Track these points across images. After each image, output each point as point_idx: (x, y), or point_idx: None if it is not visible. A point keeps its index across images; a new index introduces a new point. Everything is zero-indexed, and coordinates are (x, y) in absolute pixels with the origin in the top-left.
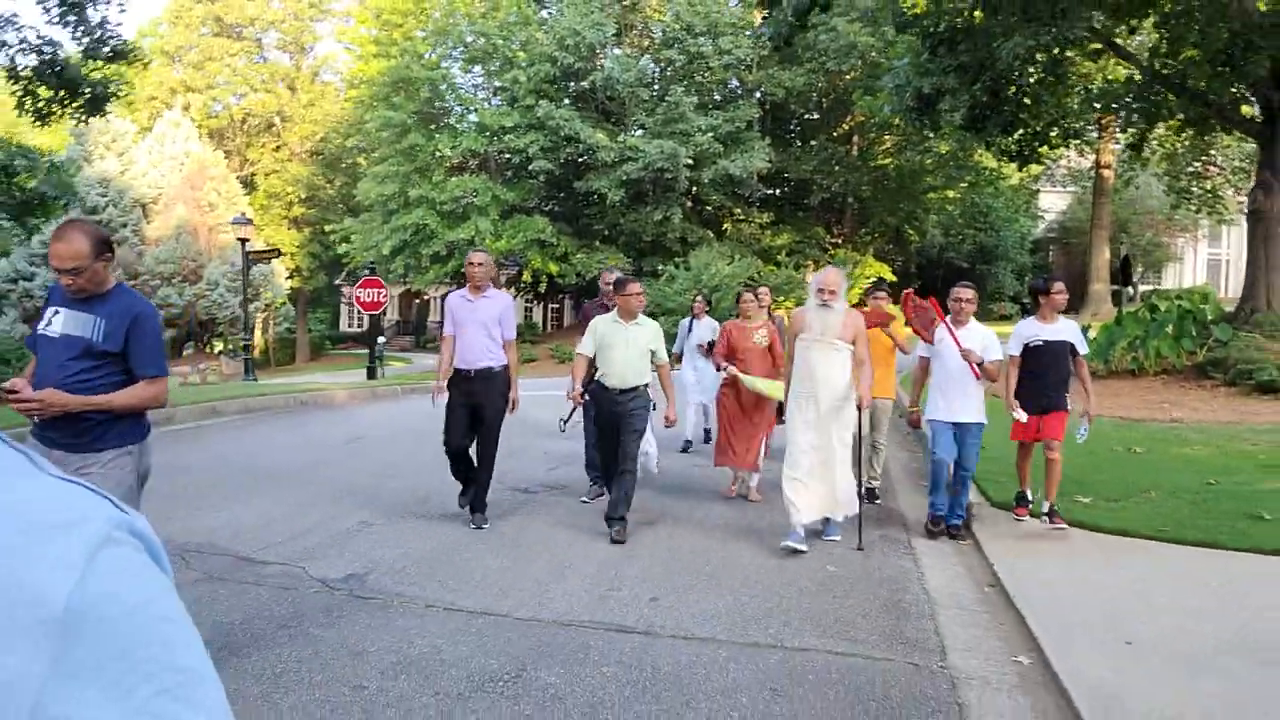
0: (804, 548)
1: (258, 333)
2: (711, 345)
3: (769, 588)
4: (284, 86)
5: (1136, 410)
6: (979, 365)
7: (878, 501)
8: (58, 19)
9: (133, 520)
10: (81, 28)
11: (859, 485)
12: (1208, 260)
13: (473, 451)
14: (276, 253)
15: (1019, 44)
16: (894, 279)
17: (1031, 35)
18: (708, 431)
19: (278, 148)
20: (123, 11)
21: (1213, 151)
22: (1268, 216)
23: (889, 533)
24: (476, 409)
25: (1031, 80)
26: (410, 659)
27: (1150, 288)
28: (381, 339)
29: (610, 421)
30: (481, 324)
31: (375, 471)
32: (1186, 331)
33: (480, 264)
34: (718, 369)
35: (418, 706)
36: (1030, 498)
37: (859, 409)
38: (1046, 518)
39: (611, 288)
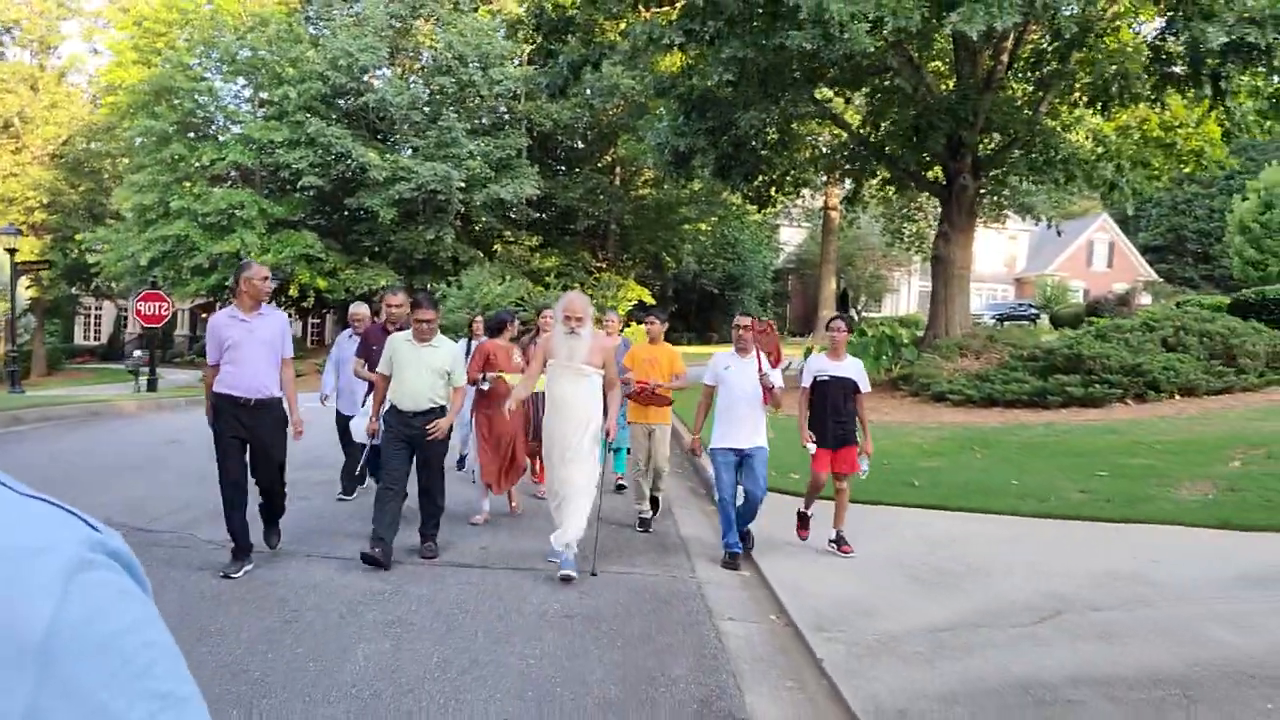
0: (575, 574)
1: None
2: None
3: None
4: (26, 86)
5: None
6: (770, 390)
7: (651, 530)
8: None
9: (106, 539)
10: None
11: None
12: (920, 292)
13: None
14: (47, 264)
15: (754, 116)
16: (653, 302)
17: (763, 110)
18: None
19: (17, 150)
20: None
21: (920, 199)
22: (946, 260)
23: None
24: (254, 443)
25: (768, 141)
26: (313, 584)
27: (873, 315)
28: (139, 353)
29: (405, 446)
30: (263, 345)
31: (210, 466)
32: (884, 352)
33: (269, 279)
34: (473, 384)
35: (330, 608)
36: (810, 515)
37: (606, 435)
38: (834, 545)
39: (394, 310)
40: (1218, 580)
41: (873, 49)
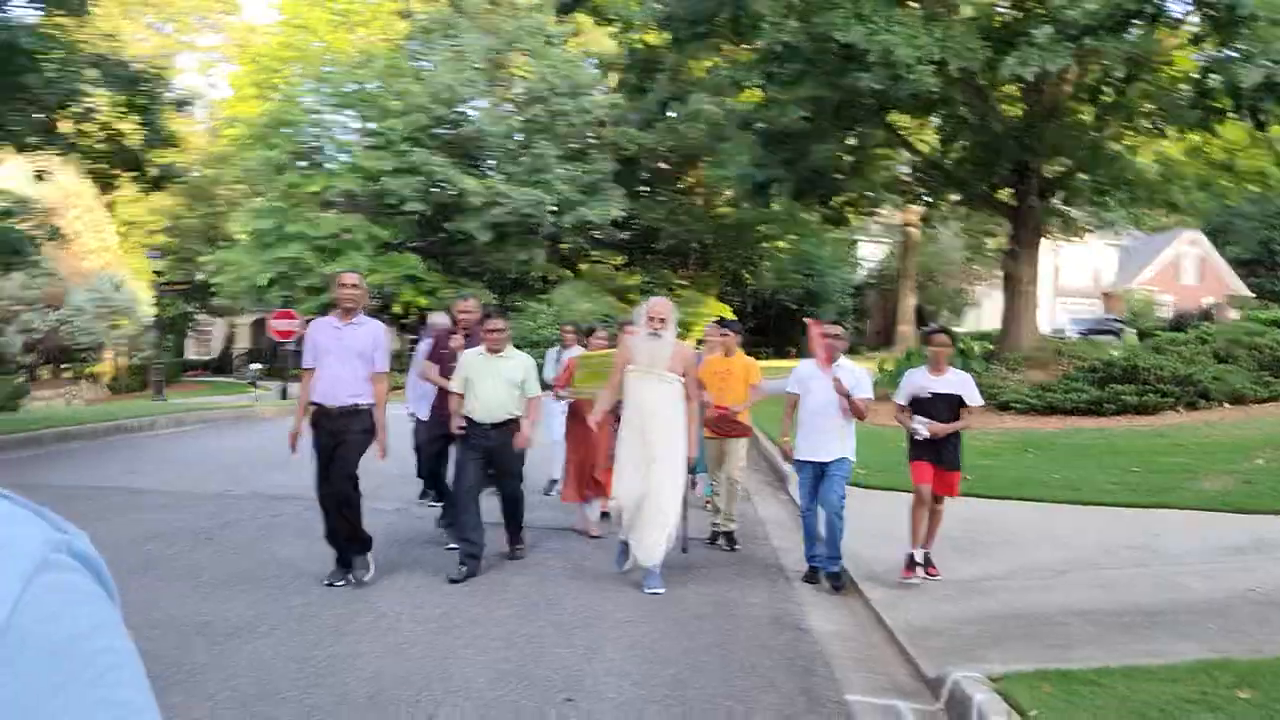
0: (661, 590)
1: (110, 360)
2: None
3: None
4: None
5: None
6: (846, 398)
7: (736, 548)
8: (124, 113)
9: (72, 540)
10: (146, 125)
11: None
12: (1003, 305)
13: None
14: (187, 284)
15: (828, 148)
16: (733, 317)
17: (837, 143)
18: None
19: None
20: (181, 113)
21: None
22: (1015, 277)
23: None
24: (333, 451)
25: (842, 167)
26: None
27: (955, 329)
28: (255, 366)
29: (480, 457)
30: (350, 354)
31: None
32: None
33: (354, 285)
34: (557, 399)
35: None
36: (919, 560)
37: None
38: (920, 566)
39: (464, 315)
40: (1209, 550)
41: (937, 88)
